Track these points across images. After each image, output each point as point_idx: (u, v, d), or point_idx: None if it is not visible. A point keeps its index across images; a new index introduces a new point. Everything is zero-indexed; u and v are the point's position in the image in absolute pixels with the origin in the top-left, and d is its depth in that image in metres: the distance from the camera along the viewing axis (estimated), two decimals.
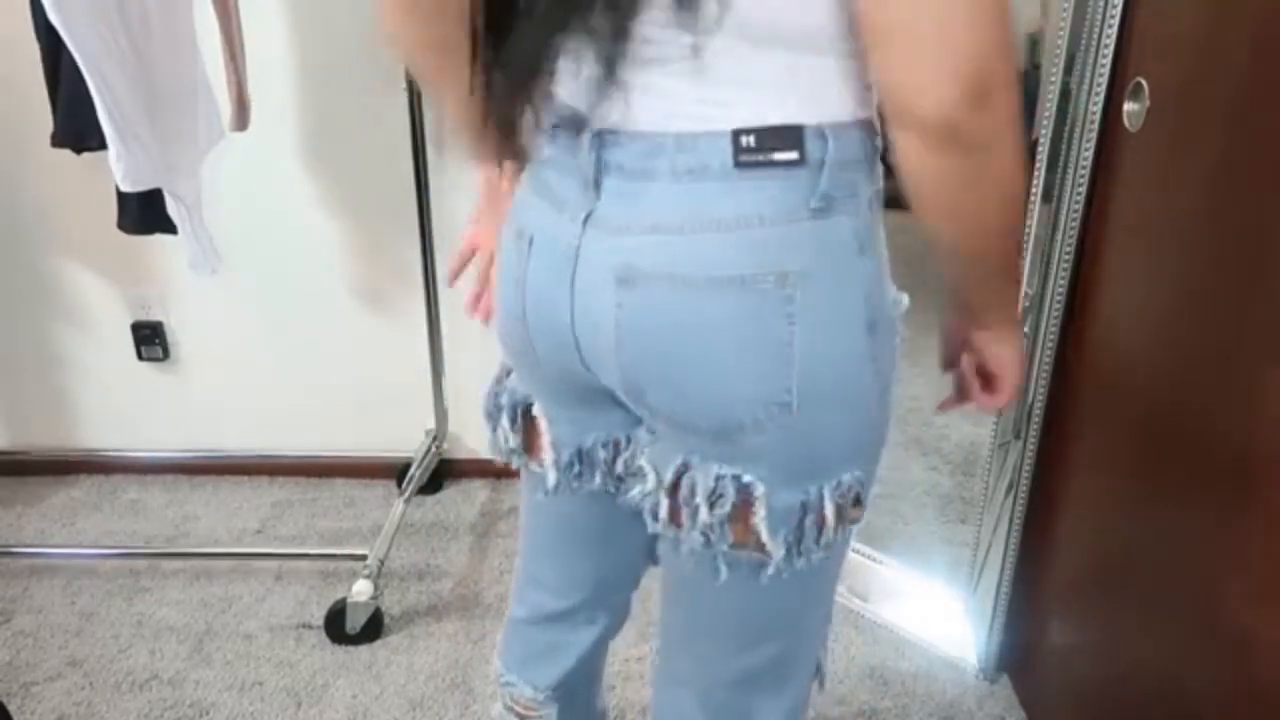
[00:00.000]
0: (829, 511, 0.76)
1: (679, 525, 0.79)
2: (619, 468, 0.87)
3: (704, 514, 0.76)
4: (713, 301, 0.70)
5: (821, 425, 0.74)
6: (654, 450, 0.81)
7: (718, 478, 0.75)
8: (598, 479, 0.88)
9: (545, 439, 0.89)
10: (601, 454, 0.87)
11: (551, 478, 0.89)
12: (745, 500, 0.75)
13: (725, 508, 0.76)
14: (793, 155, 0.68)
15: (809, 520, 0.76)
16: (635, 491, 0.83)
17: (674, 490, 0.78)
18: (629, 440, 0.86)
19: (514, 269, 0.80)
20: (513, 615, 1.07)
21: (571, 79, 0.72)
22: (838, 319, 0.72)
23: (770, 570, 0.78)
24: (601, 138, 0.71)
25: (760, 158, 0.68)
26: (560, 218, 0.75)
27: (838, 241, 0.71)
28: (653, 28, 0.67)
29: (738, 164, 0.68)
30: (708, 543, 0.77)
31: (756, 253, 0.69)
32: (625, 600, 1.06)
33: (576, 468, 0.88)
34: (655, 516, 0.80)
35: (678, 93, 0.69)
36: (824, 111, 0.69)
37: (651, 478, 0.80)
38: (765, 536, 0.76)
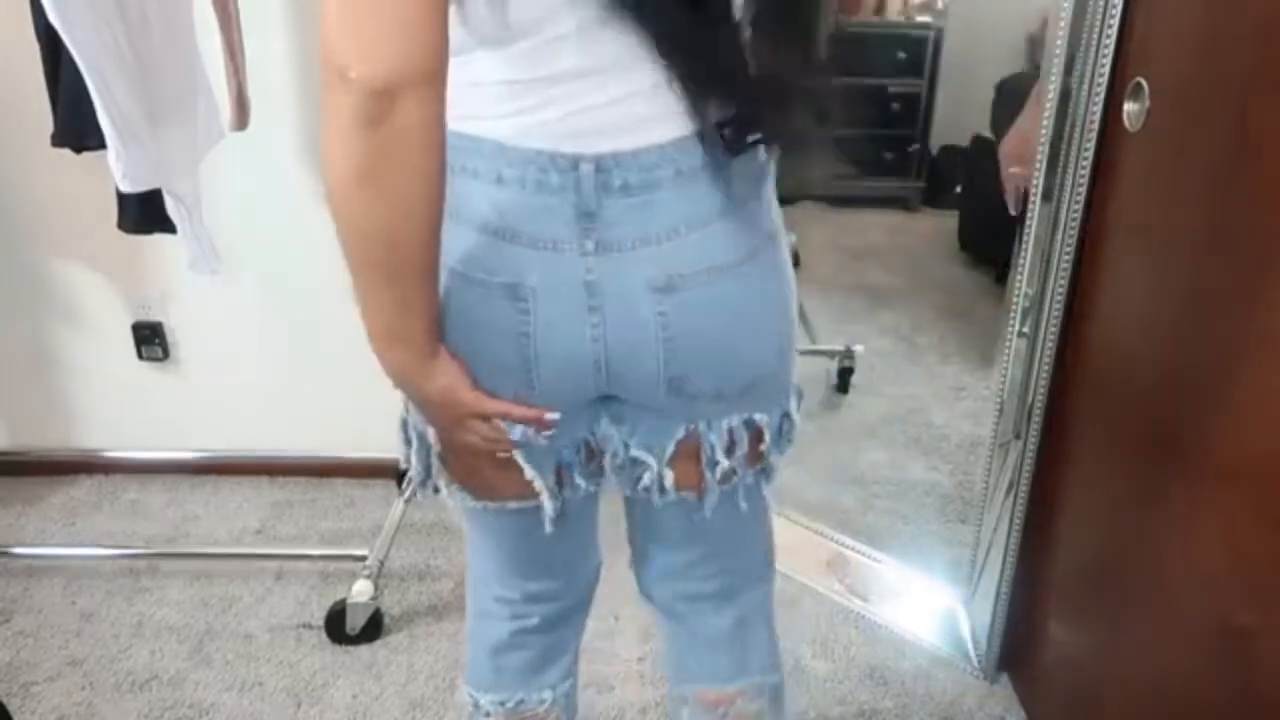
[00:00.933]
0: (794, 411, 0.89)
1: (692, 486, 0.86)
2: (601, 466, 0.88)
3: (724, 464, 0.84)
4: (743, 278, 0.77)
5: (794, 349, 0.86)
6: (641, 436, 0.84)
7: (730, 429, 0.83)
8: (581, 483, 0.88)
9: (526, 473, 0.85)
10: (576, 458, 0.87)
11: (551, 507, 0.87)
12: (755, 435, 0.85)
13: (743, 448, 0.85)
14: (759, 135, 0.74)
15: (787, 425, 0.88)
16: (646, 480, 0.85)
17: (674, 461, 0.84)
18: (594, 436, 0.86)
19: (507, 324, 0.76)
20: (497, 639, 1.04)
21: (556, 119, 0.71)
22: (787, 259, 0.83)
23: (774, 476, 0.89)
24: (601, 164, 0.71)
25: (740, 144, 0.73)
26: (560, 257, 0.73)
27: (773, 195, 0.80)
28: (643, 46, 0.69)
29: (732, 153, 0.73)
30: (726, 481, 0.86)
31: (756, 223, 0.78)
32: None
33: (558, 483, 0.88)
34: (662, 490, 0.85)
35: (666, 101, 0.71)
36: None
37: (652, 462, 0.84)
38: (770, 453, 0.87)
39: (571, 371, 0.78)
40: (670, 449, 0.83)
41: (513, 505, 0.89)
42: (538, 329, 0.75)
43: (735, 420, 0.83)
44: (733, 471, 0.85)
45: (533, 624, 1.03)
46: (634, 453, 0.84)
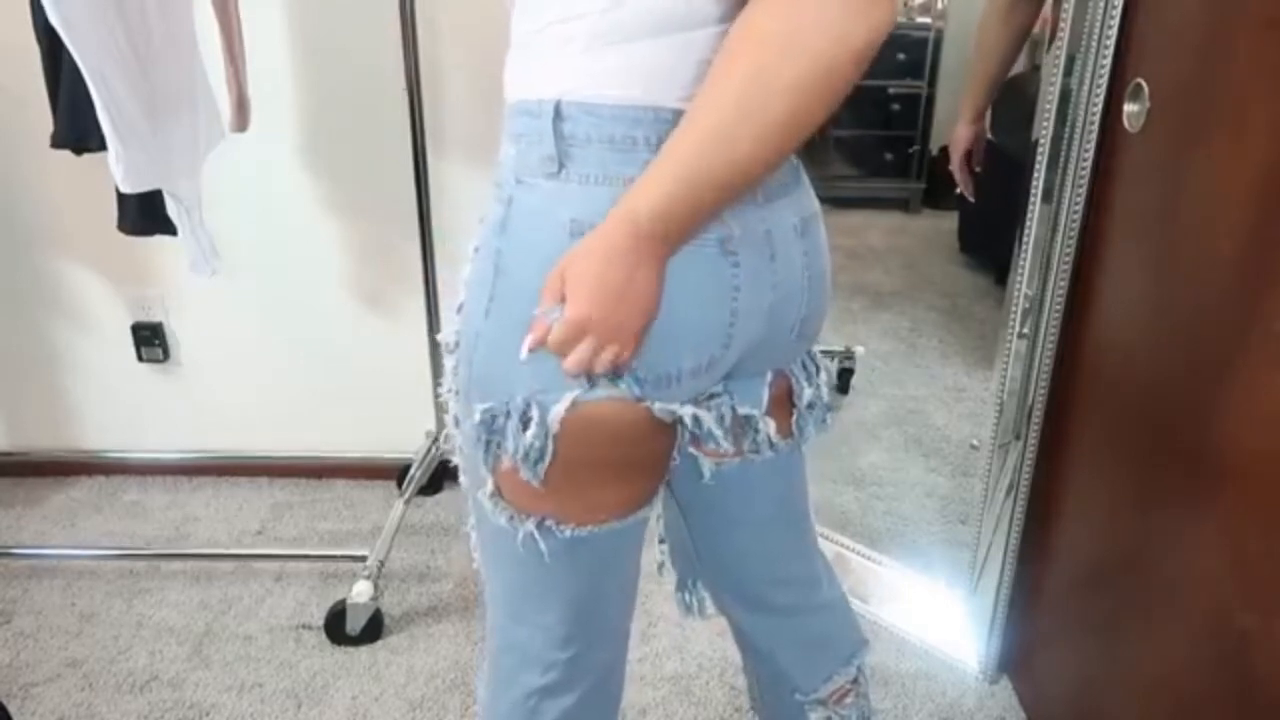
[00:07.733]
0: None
1: (786, 431, 0.88)
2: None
3: (809, 394, 0.87)
4: (822, 223, 0.84)
5: None
6: (740, 398, 0.83)
7: (804, 363, 0.88)
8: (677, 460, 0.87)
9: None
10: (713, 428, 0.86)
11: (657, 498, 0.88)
12: (821, 365, 0.91)
13: (820, 376, 0.90)
14: None
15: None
16: (758, 444, 0.86)
17: (770, 410, 0.85)
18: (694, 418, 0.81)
19: (720, 281, 0.75)
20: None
21: None
22: None
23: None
24: None
25: None
26: (745, 210, 0.74)
27: None
28: None
29: None
30: (812, 407, 0.89)
31: None
32: None
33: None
34: (770, 446, 0.86)
35: None
36: None
37: (759, 420, 0.84)
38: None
39: (756, 325, 0.77)
40: (766, 400, 0.84)
41: (615, 523, 0.81)
42: (744, 281, 0.75)
43: (807, 356, 0.88)
44: (816, 399, 0.88)
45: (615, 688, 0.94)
46: (741, 411, 0.82)
